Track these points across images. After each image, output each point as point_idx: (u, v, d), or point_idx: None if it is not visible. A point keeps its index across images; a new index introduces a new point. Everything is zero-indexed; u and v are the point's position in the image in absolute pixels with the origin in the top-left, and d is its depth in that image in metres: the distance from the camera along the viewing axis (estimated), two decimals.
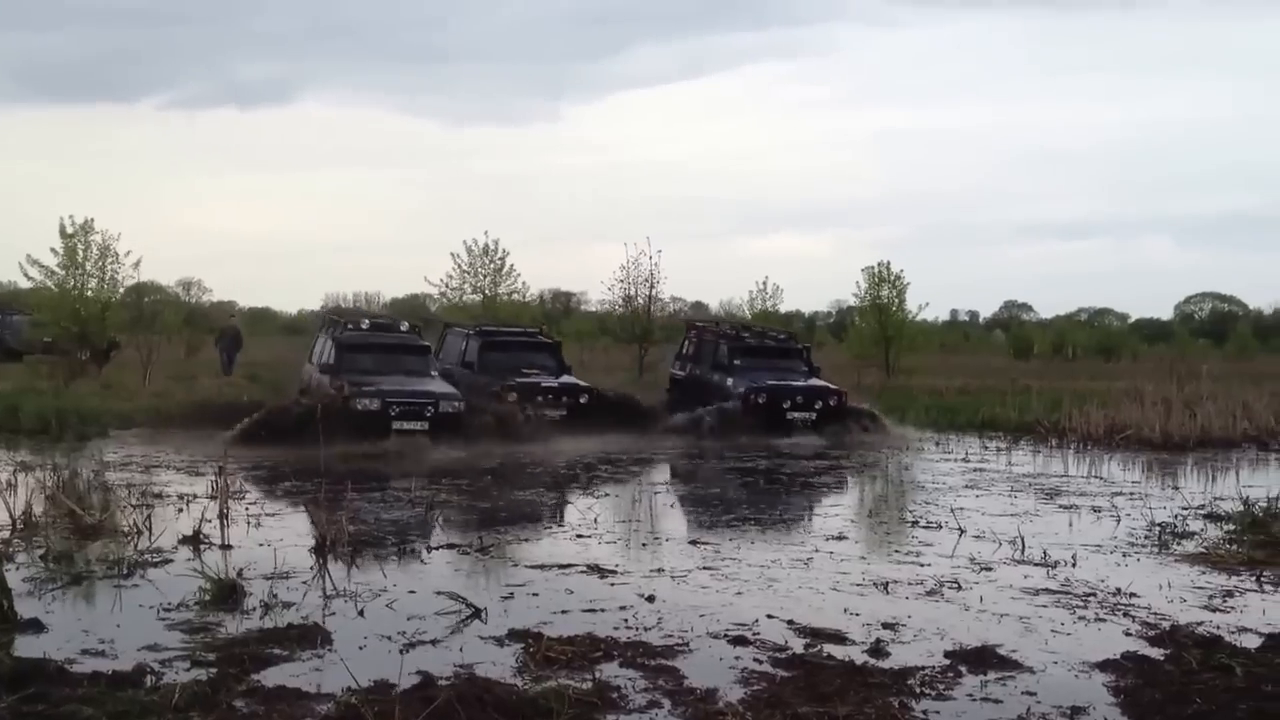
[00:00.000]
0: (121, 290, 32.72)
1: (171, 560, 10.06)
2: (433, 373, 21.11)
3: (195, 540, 10.79)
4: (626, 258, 38.40)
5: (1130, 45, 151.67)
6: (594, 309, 77.08)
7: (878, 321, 39.96)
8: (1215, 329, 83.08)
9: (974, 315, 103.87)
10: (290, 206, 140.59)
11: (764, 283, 43.75)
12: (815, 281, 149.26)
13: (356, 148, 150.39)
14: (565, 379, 22.88)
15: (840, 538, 11.90)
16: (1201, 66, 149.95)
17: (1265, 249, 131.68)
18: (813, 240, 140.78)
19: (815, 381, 23.83)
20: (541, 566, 10.06)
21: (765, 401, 22.55)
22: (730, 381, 23.30)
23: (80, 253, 30.98)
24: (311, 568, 9.82)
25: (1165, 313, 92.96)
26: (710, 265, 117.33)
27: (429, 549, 10.96)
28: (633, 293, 38.05)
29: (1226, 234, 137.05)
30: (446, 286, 36.51)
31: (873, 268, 40.59)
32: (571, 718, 5.81)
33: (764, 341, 25.23)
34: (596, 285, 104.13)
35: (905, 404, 28.17)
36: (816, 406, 22.72)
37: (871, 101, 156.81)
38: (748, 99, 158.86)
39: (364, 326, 22.16)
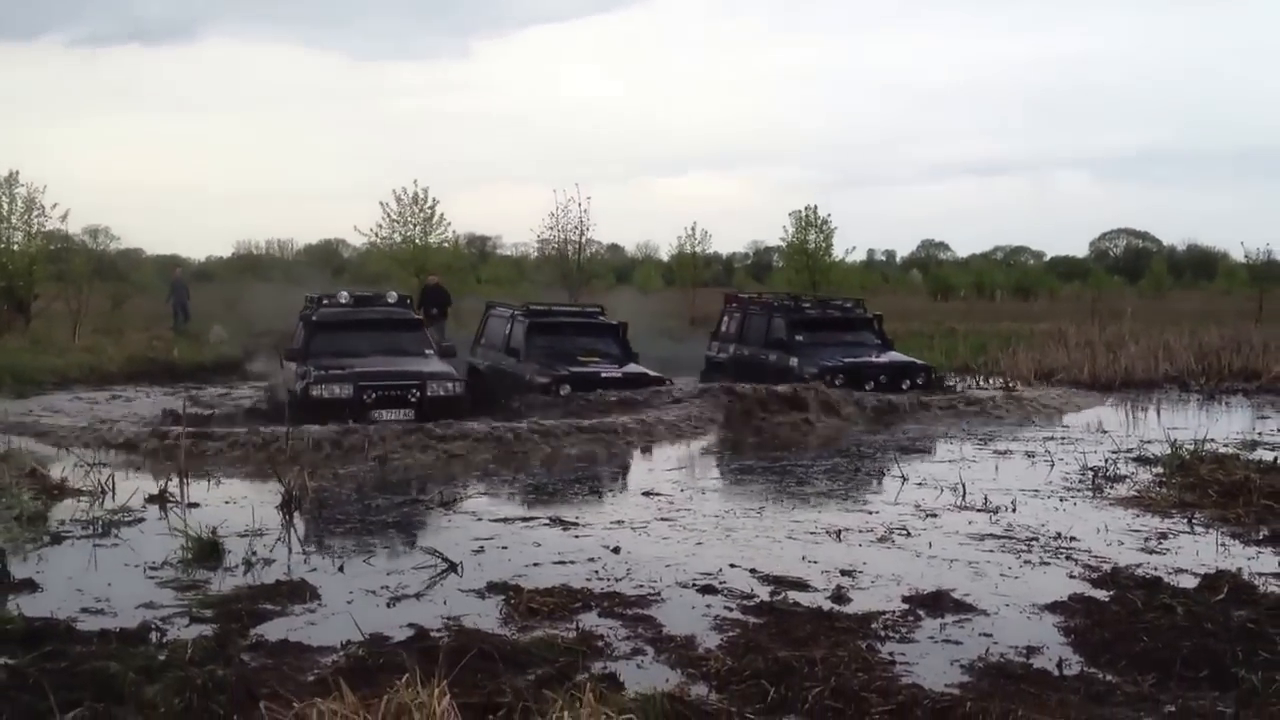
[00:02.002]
0: (49, 245, 32.34)
1: (143, 519, 10.29)
2: (427, 350, 17.72)
3: (161, 499, 10.99)
4: (556, 204, 38.56)
5: None
6: (510, 253, 77.25)
7: (806, 266, 40.52)
8: (1130, 266, 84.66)
9: (890, 255, 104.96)
10: (197, 148, 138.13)
11: (692, 227, 44.07)
12: (730, 222, 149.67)
13: (263, 86, 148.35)
14: (630, 368, 19.22)
15: (794, 487, 12.34)
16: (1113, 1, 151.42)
17: (1180, 184, 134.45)
18: (726, 180, 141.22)
19: (896, 355, 20.96)
20: (505, 520, 10.38)
21: (844, 383, 19.11)
22: (795, 361, 20.06)
23: (4, 205, 30.63)
24: (280, 524, 10.08)
25: (1081, 250, 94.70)
26: (623, 206, 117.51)
27: (393, 504, 11.20)
28: (562, 239, 38.18)
29: (1143, 169, 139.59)
30: (376, 235, 36.41)
31: (800, 212, 41.18)
32: (565, 665, 6.13)
33: (827, 312, 21.99)
34: (512, 228, 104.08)
35: None
36: (904, 386, 19.51)
37: (786, 37, 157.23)
38: (660, 35, 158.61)
39: (342, 300, 18.78)
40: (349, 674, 5.76)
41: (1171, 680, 5.97)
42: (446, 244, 37.37)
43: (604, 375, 18.62)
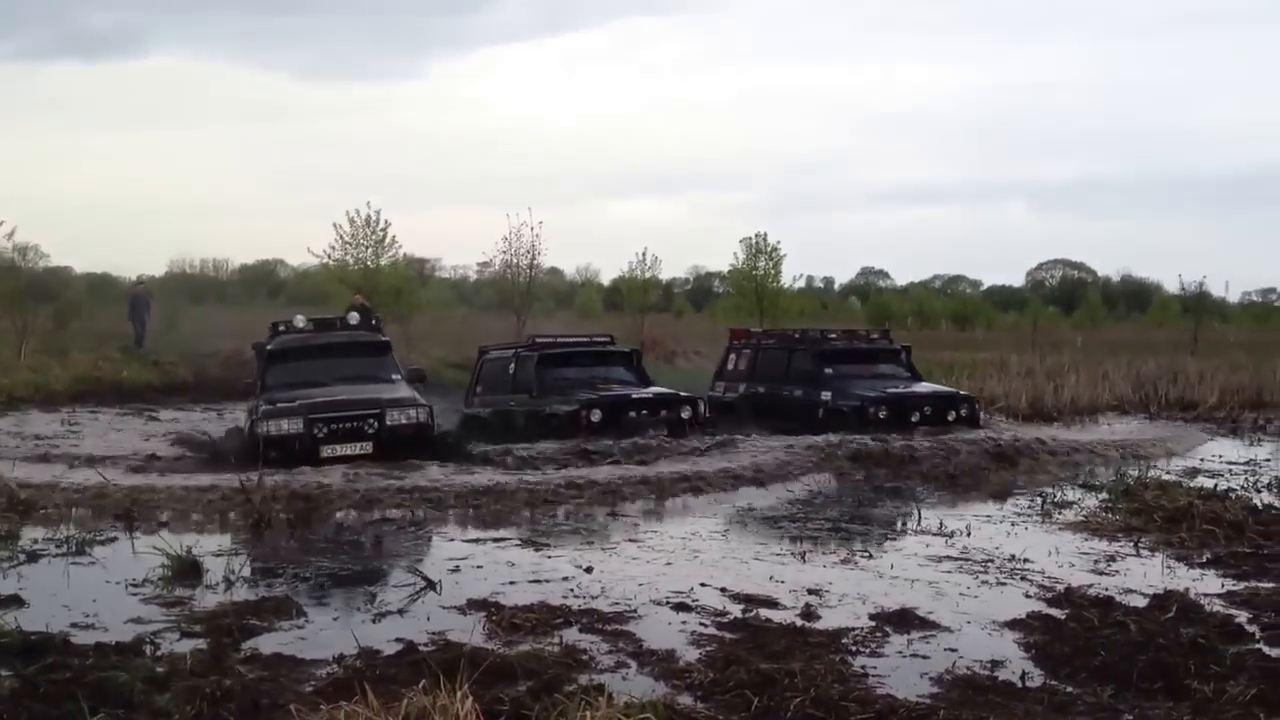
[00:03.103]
0: None
1: (116, 538, 10.44)
2: (394, 376, 16.20)
3: (129, 518, 11.14)
4: (509, 228, 38.71)
5: (989, 7, 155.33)
6: (449, 275, 77.25)
7: (754, 292, 41.04)
8: (1066, 296, 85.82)
9: (829, 282, 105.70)
10: (134, 165, 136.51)
11: (643, 252, 44.37)
12: (669, 246, 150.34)
13: (207, 104, 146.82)
14: (657, 389, 18.19)
15: (749, 508, 12.68)
16: (1057, 31, 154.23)
17: (1115, 216, 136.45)
18: (669, 204, 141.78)
19: (935, 386, 20.17)
20: (477, 540, 10.63)
21: (888, 416, 17.90)
22: (826, 395, 18.73)
23: None
24: (251, 541, 10.28)
25: (1017, 279, 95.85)
26: (563, 229, 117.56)
27: (363, 523, 11.40)
28: (514, 263, 38.38)
29: (1078, 200, 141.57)
30: (329, 256, 36.47)
31: (750, 239, 41.72)
32: (553, 678, 6.38)
33: (854, 344, 20.65)
34: (451, 250, 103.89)
35: None
36: (949, 418, 18.35)
37: (734, 61, 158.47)
38: (610, 57, 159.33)
39: (299, 326, 17.24)
40: (346, 685, 5.99)
41: (1129, 691, 6.31)
42: (396, 265, 37.51)
43: (634, 397, 17.48)
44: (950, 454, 15.90)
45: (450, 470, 13.95)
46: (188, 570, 8.91)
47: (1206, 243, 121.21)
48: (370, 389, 15.42)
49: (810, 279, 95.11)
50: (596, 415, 16.70)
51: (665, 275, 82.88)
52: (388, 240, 36.39)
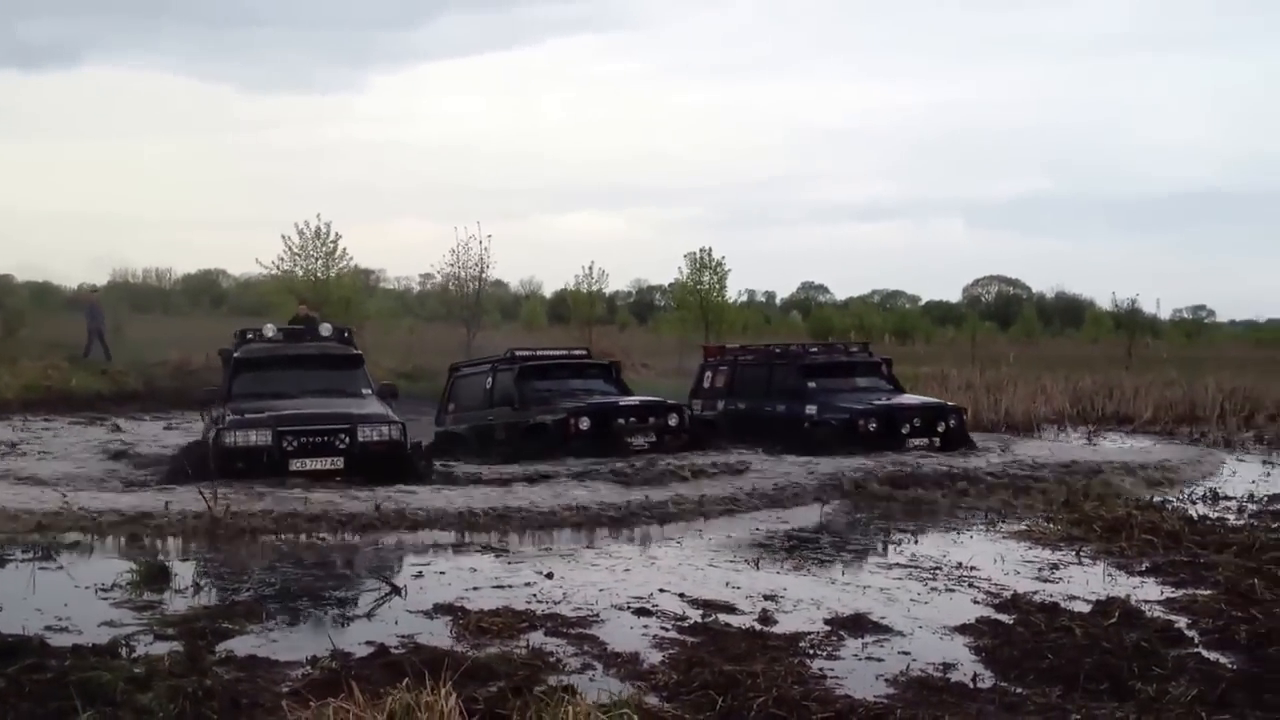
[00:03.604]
0: None
1: (78, 544, 10.51)
2: (365, 390, 15.70)
3: (94, 524, 11.21)
4: (457, 241, 38.87)
5: (928, 29, 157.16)
6: (393, 286, 77.11)
7: (699, 306, 41.40)
8: (1001, 312, 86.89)
9: (771, 296, 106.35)
10: (75, 175, 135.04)
11: (590, 265, 44.66)
12: (612, 259, 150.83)
13: (148, 115, 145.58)
14: (643, 398, 18.25)
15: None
16: (996, 53, 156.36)
17: (1049, 234, 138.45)
18: (611, 218, 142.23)
19: (926, 399, 20.13)
20: (435, 546, 10.80)
21: (878, 428, 17.77)
22: (811, 409, 18.58)
23: None
24: (213, 547, 10.39)
25: (954, 295, 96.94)
26: (507, 241, 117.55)
27: (325, 532, 11.52)
28: (463, 276, 38.54)
29: (1014, 218, 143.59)
30: (278, 268, 36.46)
31: (694, 253, 42.07)
32: (523, 679, 6.58)
33: (836, 357, 20.43)
34: (395, 262, 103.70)
35: None
36: (939, 429, 18.18)
37: (677, 78, 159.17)
38: (554, 73, 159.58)
39: (268, 335, 16.66)
40: (323, 685, 6.16)
41: (1076, 692, 6.60)
42: (342, 276, 37.52)
43: (622, 405, 17.46)
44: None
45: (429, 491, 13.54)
46: (156, 575, 9.02)
47: (1138, 261, 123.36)
48: (341, 403, 15.01)
49: (752, 293, 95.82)
50: (585, 423, 16.67)
51: (608, 288, 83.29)
52: (338, 252, 36.50)
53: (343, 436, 14.04)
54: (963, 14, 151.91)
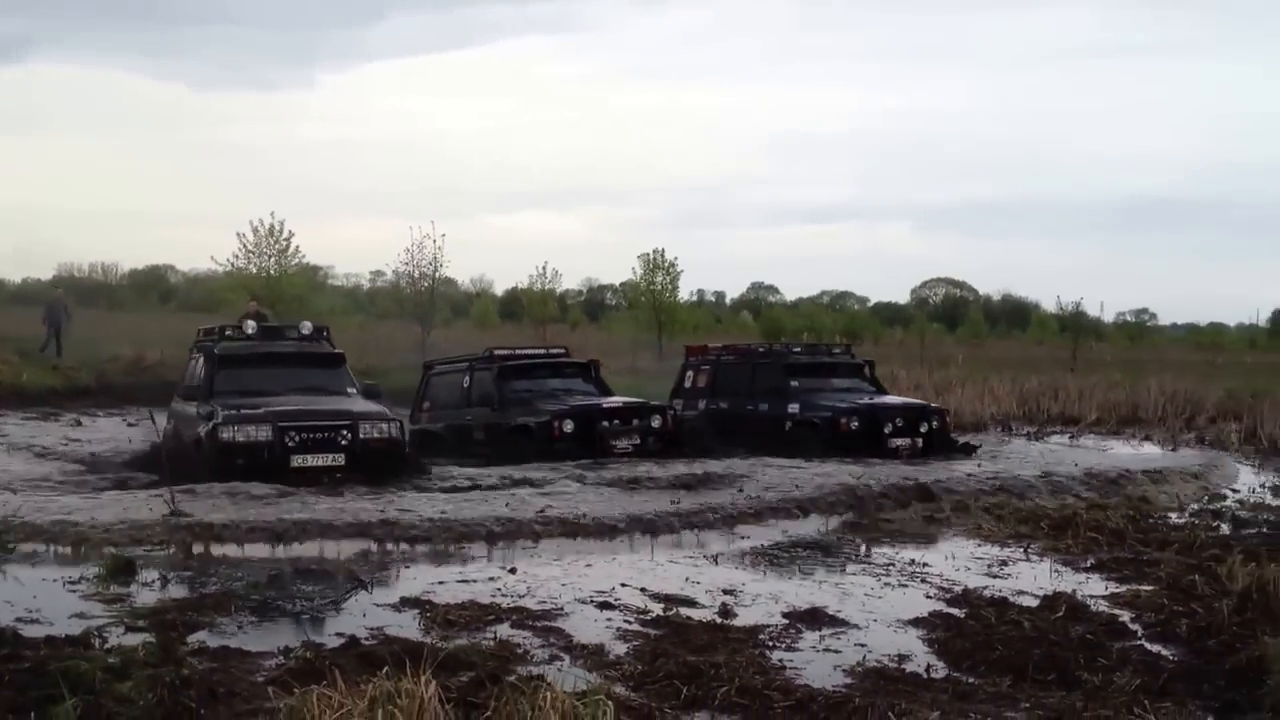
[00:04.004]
0: None
1: (39, 535, 10.57)
2: (350, 390, 15.49)
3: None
4: (411, 240, 38.88)
5: (877, 35, 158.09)
6: (341, 283, 76.81)
7: (652, 306, 41.67)
8: (949, 314, 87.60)
9: (720, 296, 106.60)
10: (19, 171, 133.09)
11: (544, 265, 44.89)
12: (562, 259, 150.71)
13: (96, 111, 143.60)
14: (627, 399, 18.09)
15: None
16: (944, 59, 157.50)
17: (996, 237, 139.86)
18: (562, 218, 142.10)
19: (909, 399, 20.43)
20: (401, 541, 10.94)
21: (860, 427, 17.82)
22: (793, 408, 18.53)
23: None
24: (178, 541, 10.49)
25: (902, 296, 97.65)
26: (460, 240, 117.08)
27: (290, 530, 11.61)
28: (417, 274, 38.61)
29: (961, 222, 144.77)
30: (231, 265, 36.42)
31: (648, 254, 42.36)
32: (494, 669, 6.76)
33: (819, 357, 20.38)
34: (343, 259, 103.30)
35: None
36: (921, 430, 18.16)
37: (629, 80, 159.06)
38: (505, 74, 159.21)
39: (249, 331, 16.39)
40: (298, 675, 6.33)
41: (1025, 682, 6.86)
42: (287, 273, 37.51)
43: (606, 406, 17.24)
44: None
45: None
46: (123, 569, 9.12)
47: (1082, 265, 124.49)
48: (335, 401, 14.94)
49: (702, 293, 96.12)
50: (569, 426, 16.50)
51: (561, 287, 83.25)
52: (291, 249, 36.50)
53: (345, 433, 13.96)
54: (912, 22, 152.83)
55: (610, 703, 5.53)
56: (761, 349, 20.88)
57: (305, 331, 16.47)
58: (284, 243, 36.29)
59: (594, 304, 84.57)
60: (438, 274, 39.03)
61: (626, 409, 17.24)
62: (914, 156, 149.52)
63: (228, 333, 16.33)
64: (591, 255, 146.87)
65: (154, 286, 76.73)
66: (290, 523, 11.24)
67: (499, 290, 75.75)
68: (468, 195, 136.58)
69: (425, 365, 20.22)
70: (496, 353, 18.73)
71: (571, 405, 17.04)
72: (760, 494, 13.69)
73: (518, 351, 19.38)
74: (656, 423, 17.17)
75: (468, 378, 18.43)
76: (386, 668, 5.64)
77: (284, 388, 15.02)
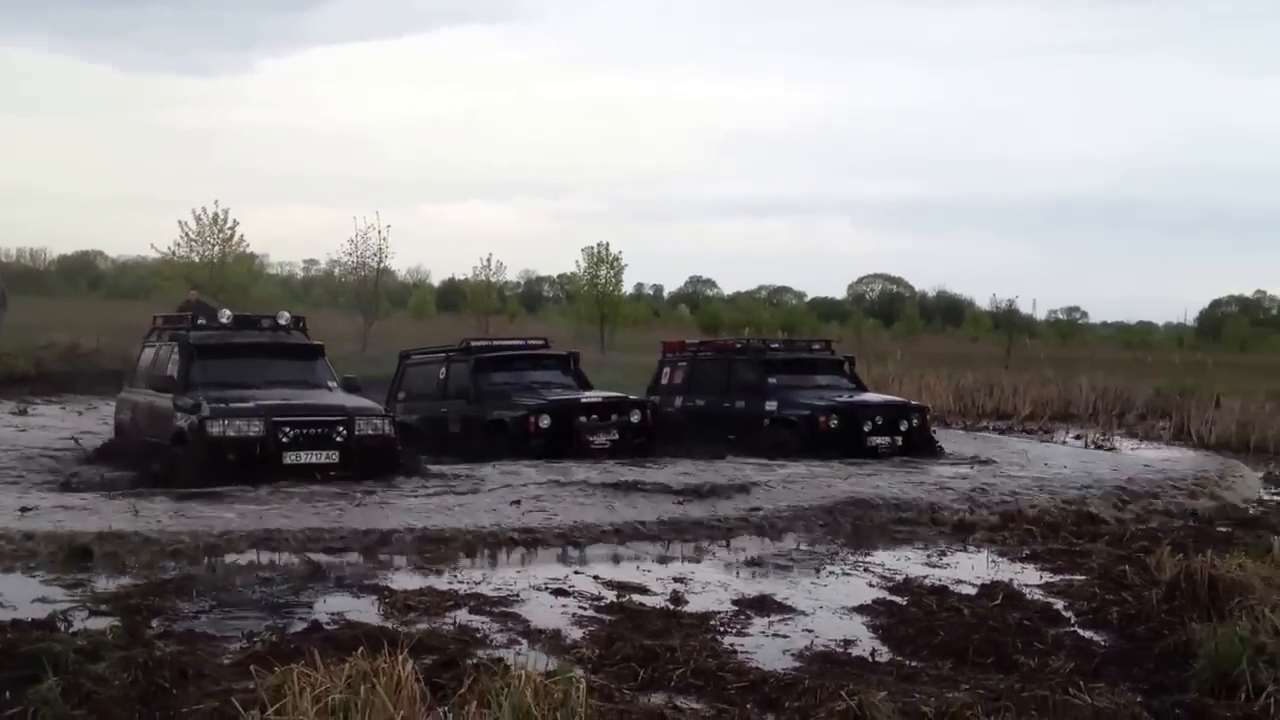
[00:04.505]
0: None
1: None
2: (330, 383, 14.91)
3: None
4: (355, 231, 38.75)
5: (819, 31, 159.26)
6: (276, 272, 76.25)
7: (595, 300, 41.86)
8: (885, 309, 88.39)
9: (659, 289, 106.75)
10: None
11: (488, 257, 45.01)
12: (501, 250, 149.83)
13: (20, 94, 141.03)
14: (606, 393, 17.69)
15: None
16: (883, 57, 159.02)
17: (932, 234, 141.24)
18: (499, 208, 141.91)
19: (889, 397, 20.13)
20: (357, 530, 11.06)
21: (839, 426, 17.44)
22: (771, 405, 18.16)
23: None
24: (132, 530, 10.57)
25: (839, 292, 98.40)
26: (397, 232, 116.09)
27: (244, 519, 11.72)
28: (361, 265, 38.58)
29: (898, 219, 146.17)
30: (174, 253, 36.18)
31: (592, 248, 42.58)
32: (455, 653, 6.97)
33: (797, 354, 19.97)
34: (277, 248, 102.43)
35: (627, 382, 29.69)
36: (901, 428, 17.84)
37: (567, 72, 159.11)
38: (446, 62, 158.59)
39: (224, 320, 15.47)
40: (265, 657, 6.49)
41: (966, 665, 7.18)
42: (235, 260, 37.38)
43: (584, 401, 16.89)
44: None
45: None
46: (80, 555, 9.23)
47: (1016, 263, 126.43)
48: (320, 395, 14.42)
49: (640, 286, 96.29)
50: (546, 421, 16.19)
51: (496, 280, 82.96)
52: (235, 238, 36.37)
53: (340, 429, 13.48)
54: (852, 19, 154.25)
55: (582, 680, 5.76)
56: (739, 345, 20.45)
57: (283, 321, 15.72)
58: (228, 231, 36.16)
59: (532, 296, 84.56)
60: (381, 265, 39.05)
61: (605, 404, 16.95)
62: (853, 153, 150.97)
63: (199, 322, 15.46)
64: (529, 247, 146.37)
65: (83, 273, 75.88)
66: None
67: (436, 281, 75.52)
68: (405, 185, 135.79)
69: (401, 355, 19.70)
70: (473, 344, 18.45)
71: (549, 400, 16.73)
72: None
73: (495, 343, 19.09)
74: (636, 418, 16.89)
75: (444, 369, 18.08)
76: (361, 648, 5.82)
77: (263, 380, 14.38)
